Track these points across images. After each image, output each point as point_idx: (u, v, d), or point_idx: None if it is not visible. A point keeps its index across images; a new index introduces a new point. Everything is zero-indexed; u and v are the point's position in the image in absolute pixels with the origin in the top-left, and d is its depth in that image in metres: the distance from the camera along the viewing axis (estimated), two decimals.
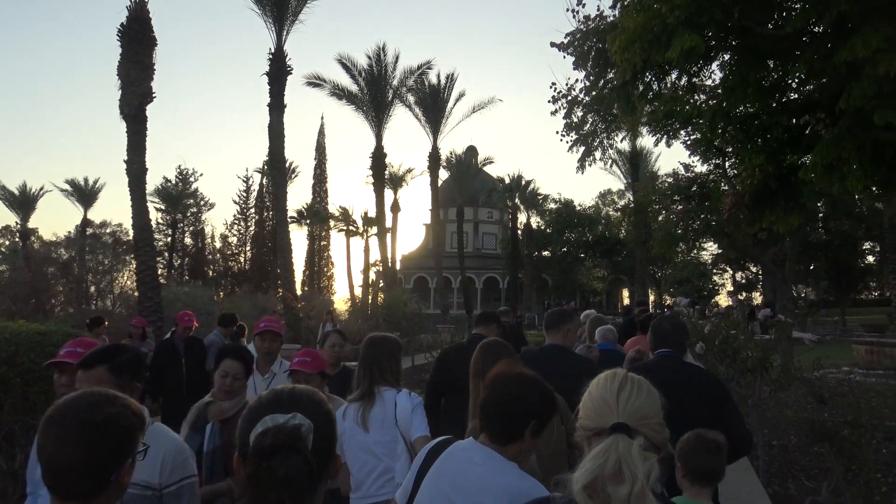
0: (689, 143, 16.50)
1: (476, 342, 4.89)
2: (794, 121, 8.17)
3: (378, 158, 32.74)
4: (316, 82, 30.78)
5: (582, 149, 8.91)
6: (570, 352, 4.41)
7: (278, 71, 22.41)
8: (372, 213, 39.15)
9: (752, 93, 7.39)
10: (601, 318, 6.57)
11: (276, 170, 22.27)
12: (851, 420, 10.21)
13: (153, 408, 7.28)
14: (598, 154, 9.00)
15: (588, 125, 8.77)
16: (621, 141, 34.03)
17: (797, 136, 8.47)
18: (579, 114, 8.75)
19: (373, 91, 32.14)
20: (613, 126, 8.72)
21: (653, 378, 3.68)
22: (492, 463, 2.12)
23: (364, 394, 3.37)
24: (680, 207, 16.42)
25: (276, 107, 22.34)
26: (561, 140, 9.04)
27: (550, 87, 8.70)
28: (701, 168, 17.61)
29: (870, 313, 44.52)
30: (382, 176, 33.29)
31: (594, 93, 8.16)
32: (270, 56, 22.62)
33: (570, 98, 8.67)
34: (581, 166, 8.94)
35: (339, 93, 31.88)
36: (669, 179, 17.07)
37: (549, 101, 8.70)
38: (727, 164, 16.54)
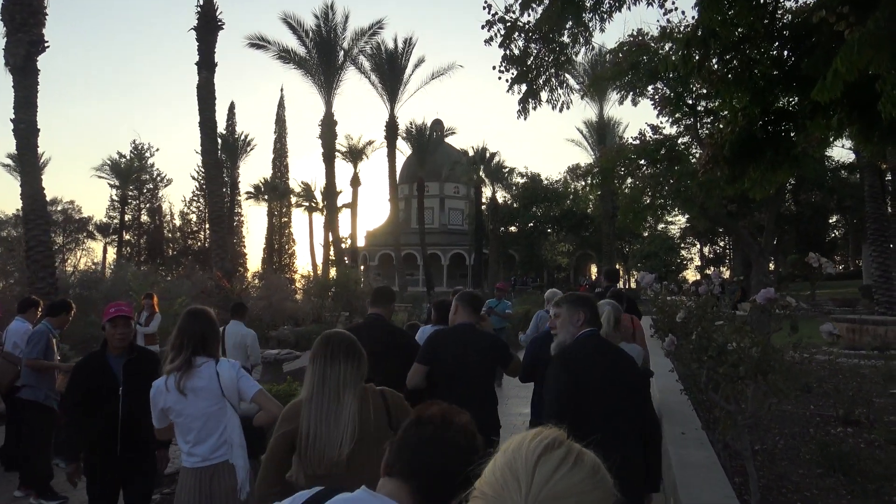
0: (657, 99, 14.87)
1: (373, 323, 4.90)
2: (787, 50, 6.51)
3: (328, 126, 30.57)
4: (259, 43, 28.50)
5: (524, 88, 7.10)
6: (482, 331, 4.65)
7: (207, 25, 20.23)
8: (336, 189, 37.35)
9: (740, 3, 5.66)
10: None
11: (207, 136, 20.15)
12: (844, 416, 8.76)
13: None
14: (544, 95, 7.18)
15: (531, 58, 6.95)
16: (582, 97, 32.26)
17: (791, 70, 6.80)
18: (520, 44, 6.93)
19: (322, 53, 29.90)
20: (563, 58, 6.92)
21: (584, 359, 3.23)
22: None
23: (183, 364, 3.45)
24: (647, 171, 14.79)
25: (206, 65, 20.18)
26: (499, 78, 7.27)
27: (484, 9, 6.89)
28: (670, 130, 16.04)
29: (837, 287, 43.90)
30: (333, 145, 31.19)
31: (537, 9, 6.34)
32: (198, 8, 20.38)
33: (508, 23, 6.84)
34: (523, 110, 7.13)
35: (286, 55, 29.64)
36: (636, 142, 15.39)
37: (482, 27, 6.89)
38: (699, 123, 14.99)
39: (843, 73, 4.15)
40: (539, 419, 4.37)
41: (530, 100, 7.21)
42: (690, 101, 14.66)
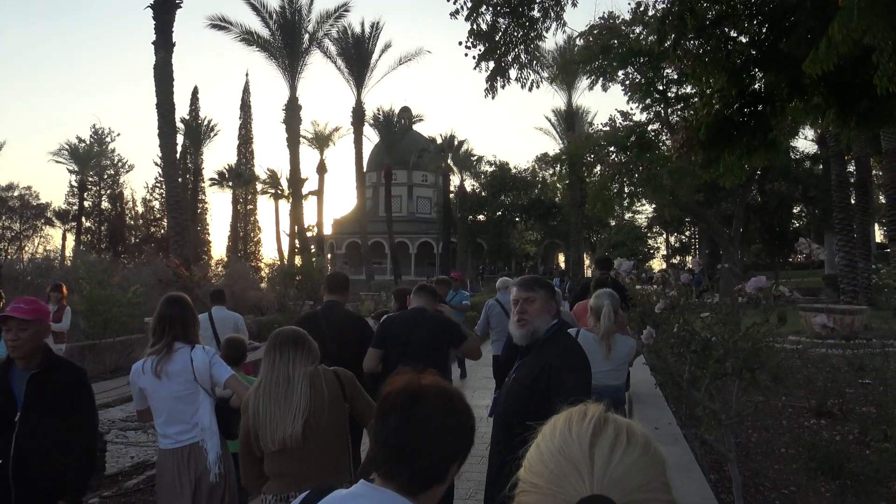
0: (627, 85, 14.61)
1: (329, 310, 4.97)
2: (765, 28, 6.21)
3: (292, 111, 29.81)
4: (221, 24, 27.60)
5: (491, 65, 6.70)
6: (430, 312, 4.76)
7: (165, 3, 19.46)
8: (302, 176, 36.71)
9: None
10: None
11: (164, 118, 19.40)
12: (816, 407, 8.59)
13: None
14: (513, 73, 6.79)
15: (500, 33, 6.55)
16: (551, 82, 31.90)
17: (769, 50, 6.52)
18: (488, 18, 6.53)
19: (286, 36, 29.12)
20: (533, 33, 6.53)
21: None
22: None
23: (163, 348, 3.59)
24: (617, 158, 14.53)
25: (163, 45, 19.41)
26: (465, 54, 6.84)
27: None
28: (640, 116, 15.81)
29: (799, 276, 44.48)
30: (297, 130, 30.46)
31: None
32: None
33: None
34: (491, 88, 6.75)
35: (249, 37, 28.82)
36: (606, 128, 15.10)
37: None
38: (669, 109, 14.77)
39: (838, 42, 3.84)
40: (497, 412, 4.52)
41: (498, 77, 6.82)
42: (661, 87, 14.45)
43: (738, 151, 7.03)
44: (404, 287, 6.32)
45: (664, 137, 15.34)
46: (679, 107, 15.05)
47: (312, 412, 2.85)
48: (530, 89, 6.87)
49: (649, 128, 15.60)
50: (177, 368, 3.54)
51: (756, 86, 7.07)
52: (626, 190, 14.42)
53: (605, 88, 14.67)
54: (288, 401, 2.84)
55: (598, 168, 15.14)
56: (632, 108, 15.48)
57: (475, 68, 6.79)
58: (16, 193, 68.10)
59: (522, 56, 6.71)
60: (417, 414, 1.49)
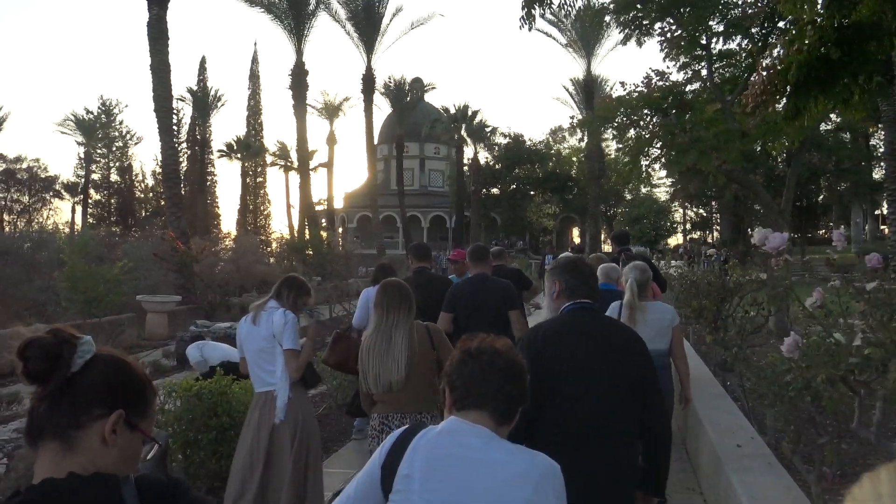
0: (667, 38, 13.07)
1: (419, 274, 5.76)
2: None
3: (299, 76, 28.36)
4: None
5: None
6: (492, 277, 5.31)
7: None
8: (311, 147, 35.47)
9: None
10: (601, 258, 6.64)
11: (159, 79, 17.98)
12: None
13: None
14: None
15: None
16: (568, 46, 29.68)
17: None
18: None
19: None
20: None
21: (545, 342, 2.83)
22: (497, 446, 1.76)
23: (261, 304, 4.32)
24: (656, 120, 13.08)
25: (157, 0, 17.97)
26: None
27: None
28: (677, 76, 14.33)
29: (826, 253, 42.53)
30: (304, 96, 29.02)
31: None
32: None
33: None
34: (527, 16, 5.39)
35: None
36: (642, 89, 13.59)
37: None
38: (712, 67, 13.27)
39: None
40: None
41: (536, 5, 5.45)
42: (703, 42, 12.96)
43: (835, 98, 5.67)
44: (385, 263, 6.89)
45: (703, 98, 13.94)
46: (721, 64, 13.73)
47: (409, 360, 3.45)
48: (576, 19, 5.56)
49: (688, 88, 14.17)
50: (263, 325, 4.23)
51: (857, 17, 5.70)
52: (669, 154, 12.99)
53: (640, 44, 13.13)
54: (389, 354, 3.45)
55: (633, 132, 13.68)
56: (668, 67, 13.99)
57: None
58: (24, 166, 67.22)
59: None
60: (502, 360, 1.81)
